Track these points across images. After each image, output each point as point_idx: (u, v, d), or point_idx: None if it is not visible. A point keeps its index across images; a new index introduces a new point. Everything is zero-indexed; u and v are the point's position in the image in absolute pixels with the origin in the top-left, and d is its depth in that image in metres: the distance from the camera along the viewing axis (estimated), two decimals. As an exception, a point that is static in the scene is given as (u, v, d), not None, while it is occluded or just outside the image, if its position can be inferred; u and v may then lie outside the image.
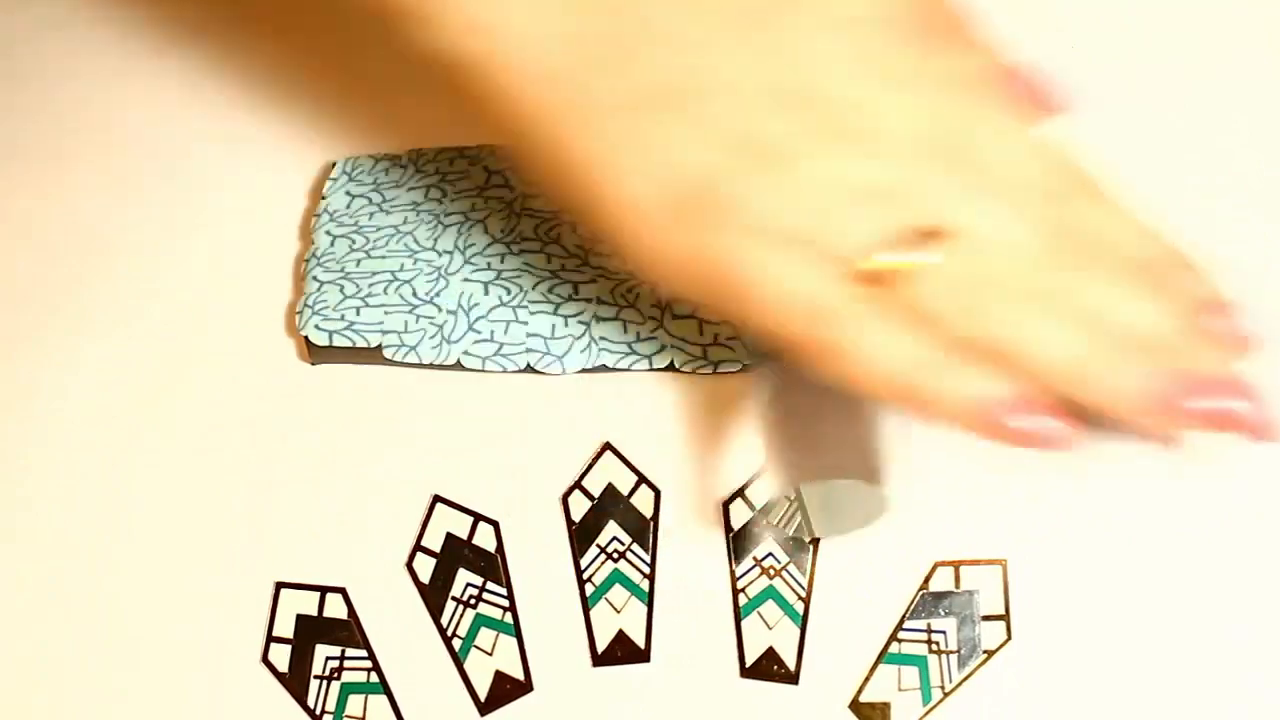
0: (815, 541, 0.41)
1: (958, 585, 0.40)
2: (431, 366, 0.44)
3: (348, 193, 0.47)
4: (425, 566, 0.41)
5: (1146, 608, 0.40)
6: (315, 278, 0.45)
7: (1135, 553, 0.40)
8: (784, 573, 0.40)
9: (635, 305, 0.44)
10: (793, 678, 0.39)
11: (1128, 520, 0.41)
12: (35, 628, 0.41)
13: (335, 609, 0.40)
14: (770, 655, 0.39)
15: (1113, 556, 0.40)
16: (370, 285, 0.45)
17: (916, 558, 0.40)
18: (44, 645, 0.41)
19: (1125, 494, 0.41)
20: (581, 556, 0.41)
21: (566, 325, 0.43)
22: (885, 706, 0.39)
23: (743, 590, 0.40)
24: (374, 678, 0.40)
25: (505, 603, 0.40)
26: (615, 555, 0.41)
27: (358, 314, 0.44)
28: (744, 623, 0.40)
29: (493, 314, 0.44)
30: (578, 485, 0.42)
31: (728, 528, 0.41)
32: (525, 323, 0.44)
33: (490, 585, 0.41)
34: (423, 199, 0.47)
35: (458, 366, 0.43)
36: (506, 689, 0.40)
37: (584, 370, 0.43)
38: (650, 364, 0.43)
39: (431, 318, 0.44)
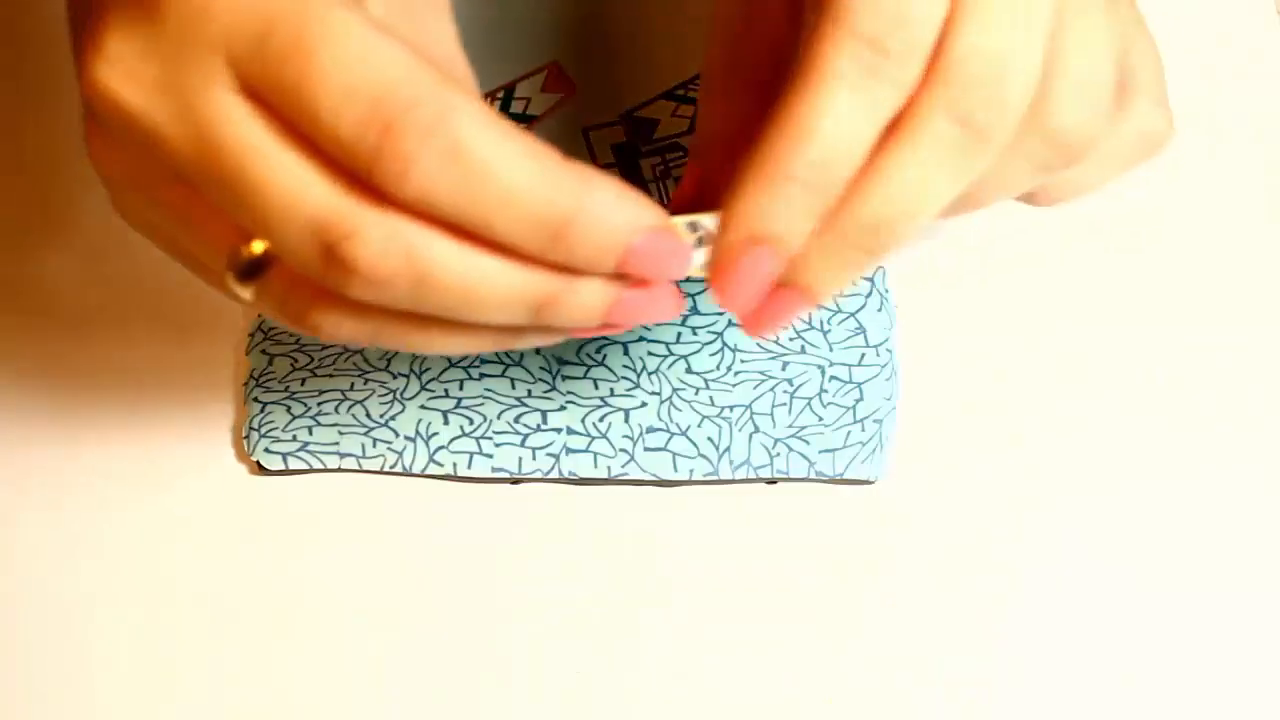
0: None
1: None
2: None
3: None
4: None
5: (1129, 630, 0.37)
6: (257, 399, 0.41)
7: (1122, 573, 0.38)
8: None
9: (607, 436, 0.40)
10: None
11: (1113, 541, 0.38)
12: None
13: None
14: None
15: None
16: (320, 404, 0.41)
17: None
18: None
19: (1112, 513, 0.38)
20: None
21: (534, 459, 0.40)
22: None
23: None
24: None
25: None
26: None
27: (310, 434, 0.41)
28: None
29: (454, 444, 0.40)
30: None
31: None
32: (490, 455, 0.40)
33: None
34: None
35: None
36: None
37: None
38: (623, 504, 0.40)
39: (389, 443, 0.41)
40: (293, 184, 0.25)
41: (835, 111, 0.26)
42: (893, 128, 0.26)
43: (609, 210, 0.26)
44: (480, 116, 0.25)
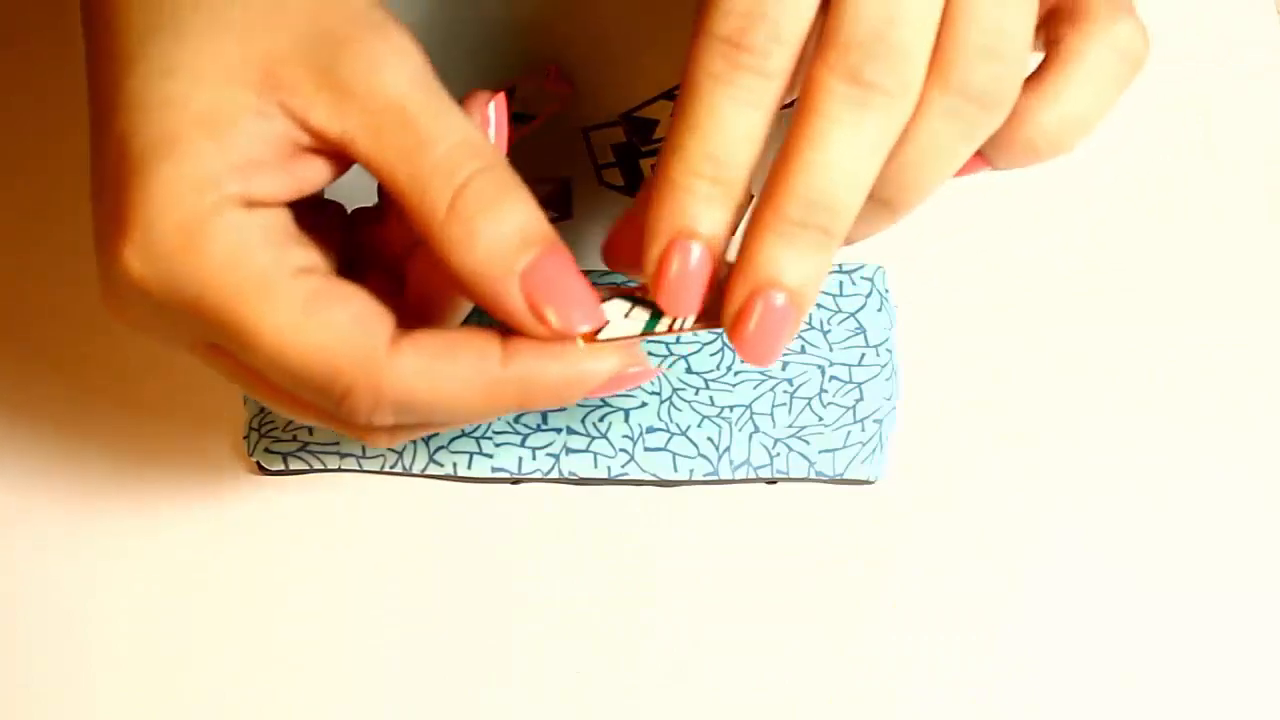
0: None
1: None
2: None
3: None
4: None
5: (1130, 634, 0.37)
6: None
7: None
8: None
9: (607, 436, 0.40)
10: None
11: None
12: None
13: None
14: None
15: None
16: (323, 405, 0.41)
17: None
18: None
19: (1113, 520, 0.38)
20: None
21: (534, 459, 0.40)
22: None
23: None
24: None
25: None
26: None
27: (310, 434, 0.41)
28: None
29: (454, 444, 0.40)
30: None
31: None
32: (490, 455, 0.40)
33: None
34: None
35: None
36: None
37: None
38: (623, 504, 0.40)
39: (389, 443, 0.41)
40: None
41: (710, 107, 0.27)
42: (802, 108, 0.27)
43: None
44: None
